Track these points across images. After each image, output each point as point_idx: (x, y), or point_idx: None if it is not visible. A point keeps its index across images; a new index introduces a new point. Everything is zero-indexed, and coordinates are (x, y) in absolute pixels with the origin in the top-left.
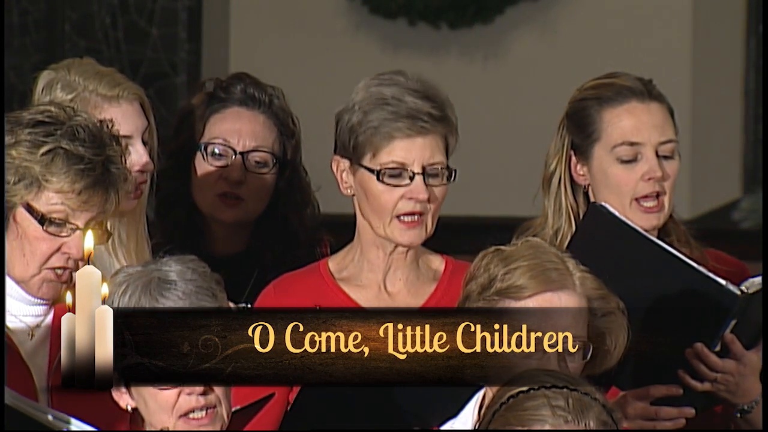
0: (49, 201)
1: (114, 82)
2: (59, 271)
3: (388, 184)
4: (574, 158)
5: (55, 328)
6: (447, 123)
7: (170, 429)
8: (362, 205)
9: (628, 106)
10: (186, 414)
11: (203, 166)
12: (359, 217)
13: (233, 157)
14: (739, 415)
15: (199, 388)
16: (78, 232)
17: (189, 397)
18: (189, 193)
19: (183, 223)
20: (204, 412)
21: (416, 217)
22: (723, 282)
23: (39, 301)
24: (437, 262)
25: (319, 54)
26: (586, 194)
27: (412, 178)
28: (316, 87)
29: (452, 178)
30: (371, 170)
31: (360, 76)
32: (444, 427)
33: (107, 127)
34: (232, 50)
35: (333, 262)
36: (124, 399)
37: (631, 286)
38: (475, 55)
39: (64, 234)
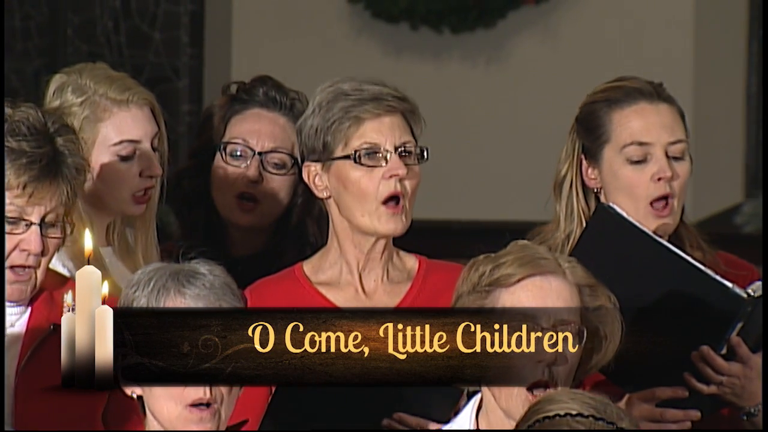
0: None
1: (124, 87)
2: (20, 271)
3: (365, 165)
4: (584, 162)
5: (29, 330)
6: (409, 103)
7: (173, 417)
8: (342, 201)
9: (636, 107)
10: (191, 404)
11: (222, 165)
12: (335, 218)
13: (251, 157)
14: (745, 418)
15: None
16: (34, 227)
17: (197, 387)
18: (209, 193)
19: (202, 223)
20: (207, 406)
21: (398, 202)
22: (729, 285)
23: (9, 303)
24: (411, 262)
25: (322, 58)
26: (597, 198)
27: (387, 158)
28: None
29: (425, 157)
30: (346, 156)
31: None
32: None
33: (58, 117)
34: (235, 54)
35: (308, 266)
36: (130, 386)
37: (638, 287)
38: (477, 60)
39: (18, 231)
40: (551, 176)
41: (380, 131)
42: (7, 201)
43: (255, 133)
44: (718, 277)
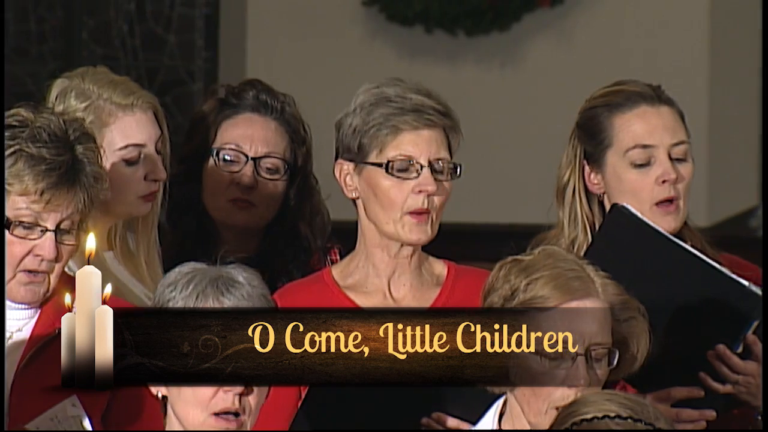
0: (15, 205)
1: (128, 91)
2: (32, 274)
3: (396, 177)
4: (587, 167)
5: (35, 333)
6: (450, 119)
7: (197, 423)
8: (369, 205)
9: (638, 111)
10: (218, 413)
11: (215, 171)
12: (363, 220)
13: (245, 162)
14: (759, 417)
15: (239, 388)
16: (49, 233)
17: (226, 395)
18: (200, 199)
19: (194, 228)
20: (234, 417)
21: (424, 214)
22: (746, 283)
23: (21, 306)
24: (440, 267)
25: (336, 61)
26: (600, 203)
27: (419, 172)
28: (332, 94)
29: (458, 174)
30: (379, 164)
31: None
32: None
33: (80, 125)
34: (249, 57)
35: (337, 270)
36: (156, 386)
37: (653, 287)
38: (491, 63)
39: (33, 236)
40: None
41: (417, 144)
42: (23, 206)
43: (248, 138)
44: (734, 276)
